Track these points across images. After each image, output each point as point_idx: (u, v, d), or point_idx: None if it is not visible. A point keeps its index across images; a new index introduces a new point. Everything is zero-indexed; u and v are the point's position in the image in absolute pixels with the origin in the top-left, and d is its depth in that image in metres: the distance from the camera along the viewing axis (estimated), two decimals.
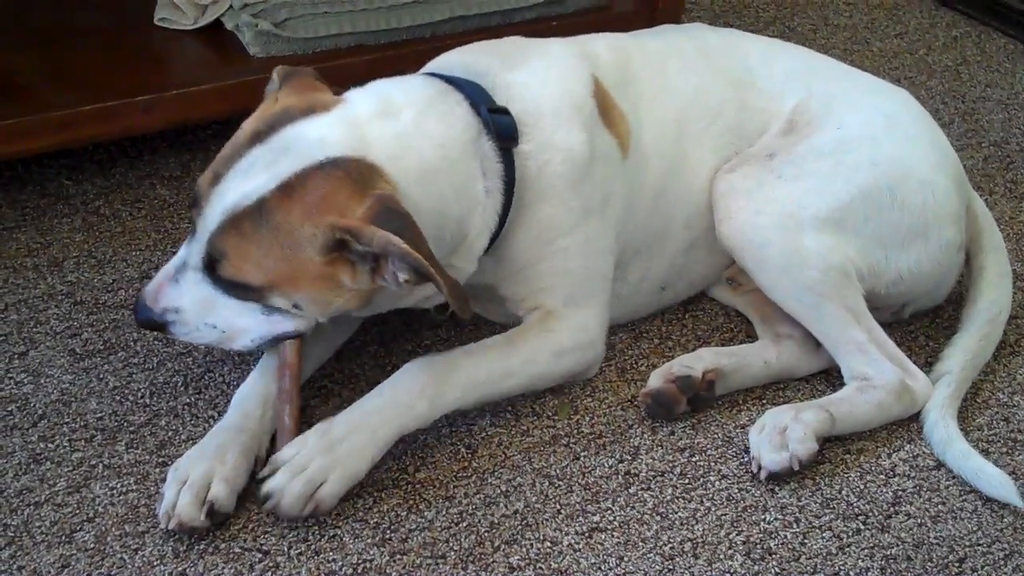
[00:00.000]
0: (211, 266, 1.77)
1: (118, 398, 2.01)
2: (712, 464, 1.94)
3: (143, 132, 2.54)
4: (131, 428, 1.96)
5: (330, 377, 2.06)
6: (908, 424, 2.02)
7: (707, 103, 2.18)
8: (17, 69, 2.50)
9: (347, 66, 2.59)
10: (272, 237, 1.72)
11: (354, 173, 1.73)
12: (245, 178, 1.74)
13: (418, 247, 1.69)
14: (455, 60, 2.05)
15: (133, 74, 2.49)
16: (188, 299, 1.82)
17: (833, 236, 2.02)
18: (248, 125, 1.82)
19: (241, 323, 1.83)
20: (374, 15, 2.62)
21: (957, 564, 1.80)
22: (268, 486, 1.76)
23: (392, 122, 1.82)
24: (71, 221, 2.42)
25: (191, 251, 1.80)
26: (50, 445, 1.92)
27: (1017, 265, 2.40)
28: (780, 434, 1.91)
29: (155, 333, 2.11)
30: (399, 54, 2.61)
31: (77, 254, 2.33)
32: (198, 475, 1.78)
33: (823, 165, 2.08)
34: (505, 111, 1.93)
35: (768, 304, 2.11)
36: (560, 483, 1.89)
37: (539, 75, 1.99)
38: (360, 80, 2.56)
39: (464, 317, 1.77)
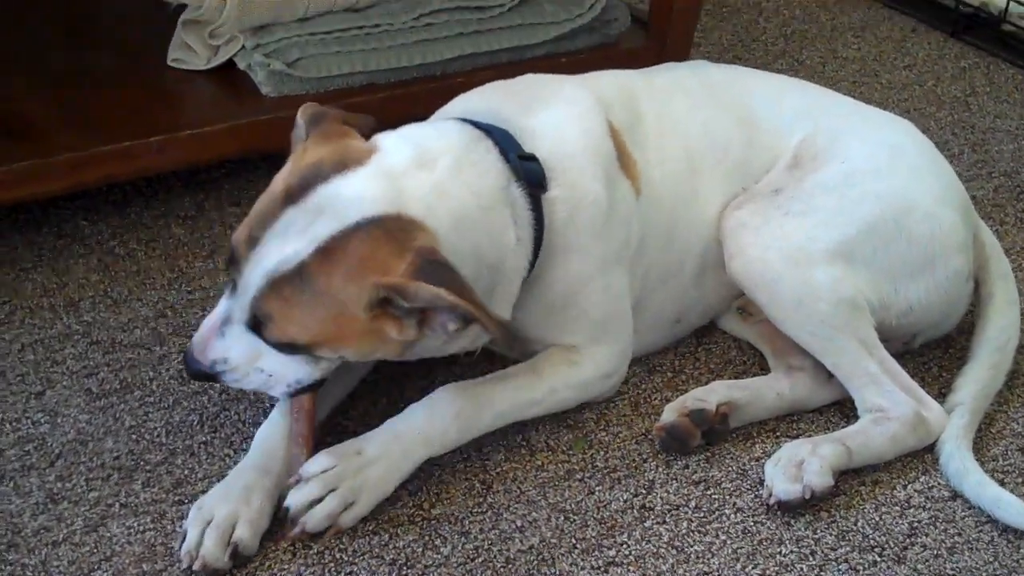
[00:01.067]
0: (256, 327, 1.77)
1: (135, 437, 2.02)
2: (727, 497, 1.94)
3: (157, 172, 2.55)
4: (147, 467, 1.96)
5: (344, 414, 2.06)
6: (922, 455, 2.02)
7: (714, 140, 2.19)
8: (31, 111, 2.51)
9: (359, 104, 2.60)
10: (316, 301, 1.72)
11: (393, 229, 1.73)
12: (283, 241, 1.73)
13: (463, 294, 1.69)
14: (475, 103, 2.05)
15: (147, 115, 2.51)
16: (235, 352, 1.81)
17: (843, 269, 2.03)
18: (280, 181, 1.80)
19: (287, 370, 1.82)
20: (385, 54, 2.64)
21: None
22: (295, 500, 1.79)
23: (428, 172, 1.81)
24: (87, 261, 2.44)
25: (234, 307, 1.79)
26: (67, 484, 1.93)
27: None
28: (796, 467, 1.92)
29: (170, 372, 2.13)
30: (409, 92, 2.63)
31: (93, 294, 2.34)
32: (223, 516, 1.79)
33: (829, 199, 2.09)
34: (533, 158, 1.93)
35: (779, 336, 2.12)
36: (575, 517, 1.90)
37: (558, 120, 2.00)
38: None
39: (511, 356, 1.79)
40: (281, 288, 1.72)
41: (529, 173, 1.91)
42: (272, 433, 1.92)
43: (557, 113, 2.01)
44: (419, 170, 1.80)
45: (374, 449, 1.84)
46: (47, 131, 2.45)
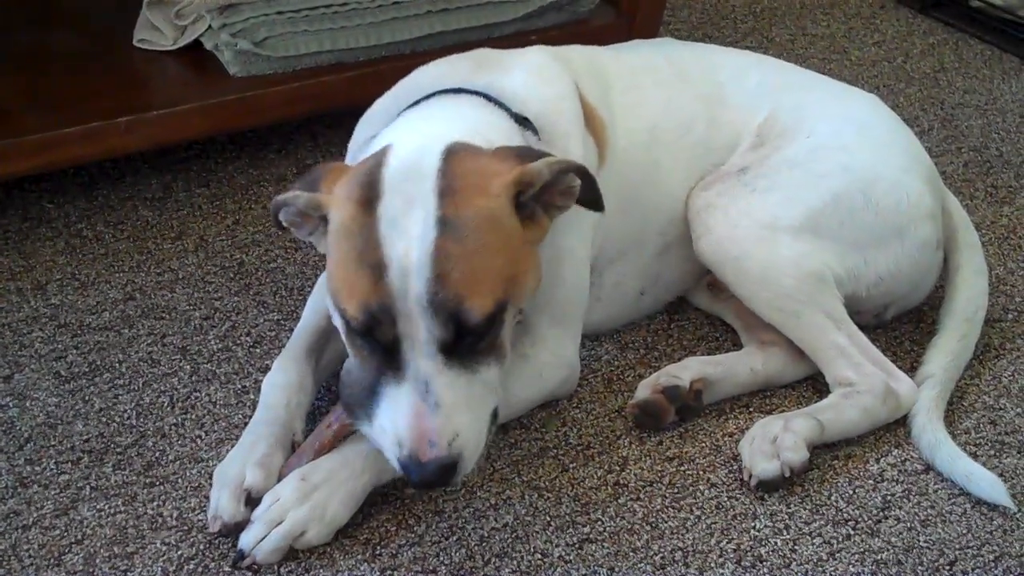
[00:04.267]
0: (455, 335, 1.60)
1: (104, 420, 2.00)
2: (701, 473, 1.94)
3: (124, 153, 2.53)
4: (118, 449, 1.95)
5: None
6: (895, 429, 2.03)
7: (678, 117, 2.19)
8: None
9: (327, 84, 2.60)
10: (478, 236, 1.61)
11: (472, 147, 1.70)
12: (403, 227, 1.61)
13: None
14: (443, 72, 2.01)
15: (114, 95, 2.49)
16: (459, 411, 1.62)
17: (809, 243, 2.03)
18: (345, 223, 1.65)
19: (490, 402, 1.69)
20: (353, 32, 2.62)
21: (948, 567, 1.80)
22: (241, 541, 1.75)
23: (455, 130, 1.76)
24: (54, 244, 2.42)
25: (415, 364, 1.61)
26: (36, 468, 1.91)
27: (999, 268, 2.41)
28: (771, 443, 1.92)
29: (139, 355, 2.11)
30: (378, 71, 2.61)
31: (60, 276, 2.33)
32: (233, 474, 1.79)
33: (795, 175, 2.09)
34: (528, 121, 1.91)
35: (751, 312, 2.11)
36: (549, 495, 1.89)
37: (531, 83, 1.98)
38: (341, 98, 2.59)
39: (600, 211, 1.78)
40: (447, 252, 1.59)
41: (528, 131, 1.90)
42: (273, 384, 1.91)
43: (528, 77, 1.99)
44: (448, 130, 1.76)
45: (319, 475, 1.78)
46: (13, 112, 2.43)
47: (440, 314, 1.58)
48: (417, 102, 1.91)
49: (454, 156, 1.67)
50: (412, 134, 1.76)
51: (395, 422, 1.61)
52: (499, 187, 1.65)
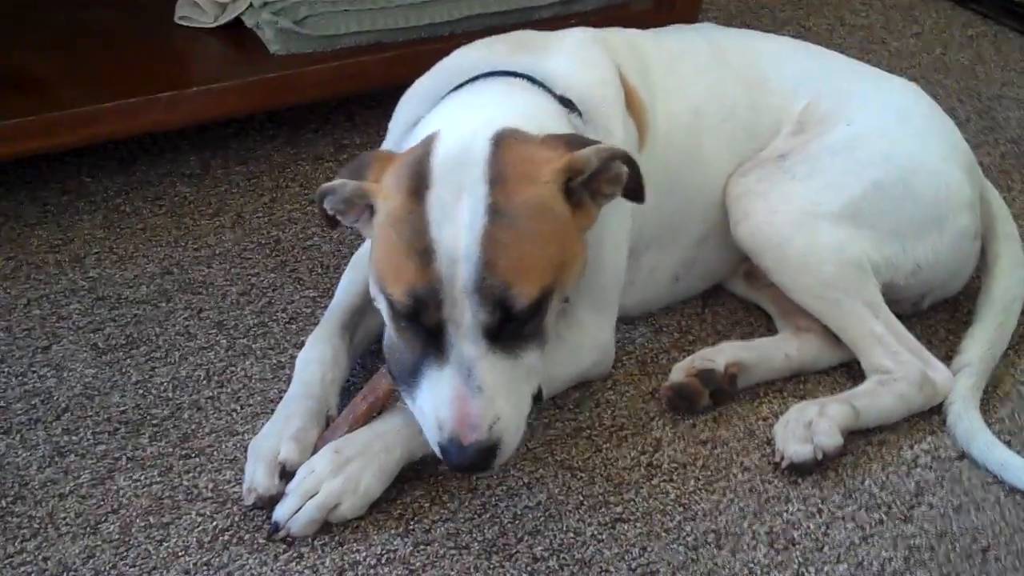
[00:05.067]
0: (501, 321, 1.61)
1: (141, 392, 2.02)
2: (734, 456, 1.94)
3: (165, 129, 2.55)
4: (154, 421, 1.96)
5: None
6: (929, 416, 2.02)
7: (720, 101, 2.18)
8: (39, 67, 2.51)
9: (366, 64, 2.60)
10: (528, 224, 1.62)
11: (521, 134, 1.70)
12: (454, 215, 1.62)
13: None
14: (482, 55, 2.01)
15: (155, 71, 2.50)
16: (500, 396, 1.62)
17: (848, 231, 2.03)
18: (394, 212, 1.66)
19: (531, 387, 1.70)
20: (393, 13, 2.63)
21: (980, 554, 1.79)
22: (276, 514, 1.76)
23: (504, 114, 1.76)
24: (92, 218, 2.43)
25: (459, 349, 1.62)
26: (74, 438, 1.93)
27: None
28: (806, 428, 1.92)
29: (176, 328, 2.13)
30: (417, 52, 2.61)
31: (98, 250, 2.34)
32: (268, 447, 1.80)
33: (835, 162, 2.09)
34: (571, 103, 1.91)
35: (787, 298, 2.11)
36: (582, 475, 1.90)
37: (572, 65, 1.97)
38: (379, 78, 2.60)
39: (641, 202, 1.78)
40: (497, 240, 1.60)
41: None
42: (307, 359, 1.93)
43: (570, 60, 1.98)
44: (496, 116, 1.75)
45: (352, 448, 1.79)
46: (55, 87, 2.45)
47: (487, 300, 1.60)
48: (461, 85, 1.91)
49: (503, 143, 1.67)
50: (460, 120, 1.76)
51: (436, 405, 1.62)
52: (549, 174, 1.66)
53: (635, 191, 1.76)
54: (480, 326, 1.61)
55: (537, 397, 1.72)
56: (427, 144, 1.70)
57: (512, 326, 1.63)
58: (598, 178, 1.71)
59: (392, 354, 1.73)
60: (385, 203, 1.68)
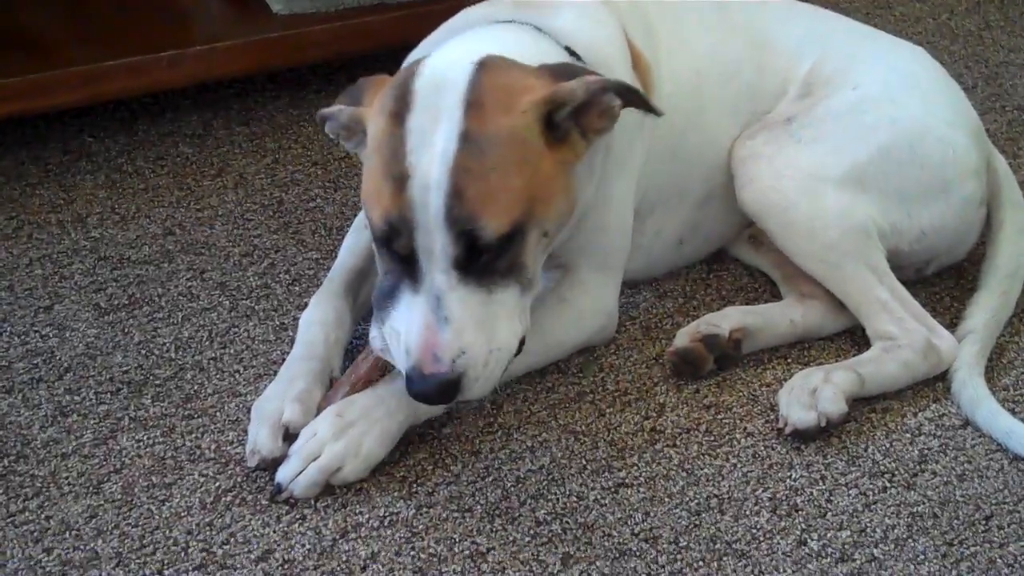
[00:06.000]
0: (469, 252, 1.60)
1: (143, 352, 2.01)
2: (738, 422, 1.94)
3: (167, 88, 2.54)
4: (157, 382, 1.96)
5: None
6: (933, 384, 2.02)
7: (724, 61, 2.17)
8: (42, 25, 2.51)
9: (370, 24, 2.60)
10: (497, 153, 1.60)
11: (505, 63, 1.68)
12: (430, 140, 1.60)
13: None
14: (488, 11, 1.98)
15: (157, 30, 2.50)
16: (468, 330, 1.61)
17: (854, 195, 2.02)
18: (377, 135, 1.66)
19: (508, 327, 1.67)
20: None
21: (983, 522, 1.79)
22: (278, 476, 1.76)
23: (502, 46, 1.74)
24: (94, 178, 2.43)
25: (431, 278, 1.61)
26: (76, 398, 1.92)
27: None
28: (810, 394, 1.91)
29: (178, 289, 2.12)
30: (421, 12, 2.60)
31: (100, 210, 2.33)
32: (271, 409, 1.79)
33: (841, 126, 2.08)
34: (577, 55, 1.88)
35: (791, 263, 2.10)
36: (585, 439, 1.89)
37: (578, 22, 1.94)
38: (383, 39, 2.58)
39: (659, 114, 1.75)
40: (466, 168, 1.58)
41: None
42: (310, 320, 1.92)
43: (577, 17, 1.95)
44: (493, 47, 1.73)
45: (355, 412, 1.79)
46: (58, 45, 2.45)
47: (454, 230, 1.59)
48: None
49: (486, 69, 1.65)
50: (450, 50, 1.75)
51: (407, 331, 1.62)
52: (527, 104, 1.63)
53: (647, 108, 1.73)
54: (449, 257, 1.60)
55: (521, 343, 1.71)
56: (413, 67, 1.69)
57: (484, 259, 1.62)
58: (587, 111, 1.68)
59: (378, 283, 1.73)
60: (372, 126, 1.68)
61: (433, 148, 1.60)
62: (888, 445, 1.91)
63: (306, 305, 1.96)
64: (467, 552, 1.70)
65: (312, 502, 1.75)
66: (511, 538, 1.72)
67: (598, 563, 1.69)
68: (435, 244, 1.60)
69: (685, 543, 1.73)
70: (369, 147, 1.69)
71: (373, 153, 1.67)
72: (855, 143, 2.04)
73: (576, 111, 1.67)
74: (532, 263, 1.70)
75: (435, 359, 1.60)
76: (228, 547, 1.69)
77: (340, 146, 1.83)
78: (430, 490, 1.79)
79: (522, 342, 1.72)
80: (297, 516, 1.73)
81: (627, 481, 1.82)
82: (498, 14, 1.94)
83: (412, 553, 1.69)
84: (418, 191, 1.59)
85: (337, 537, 1.71)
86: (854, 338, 2.10)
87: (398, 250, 1.63)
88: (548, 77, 1.67)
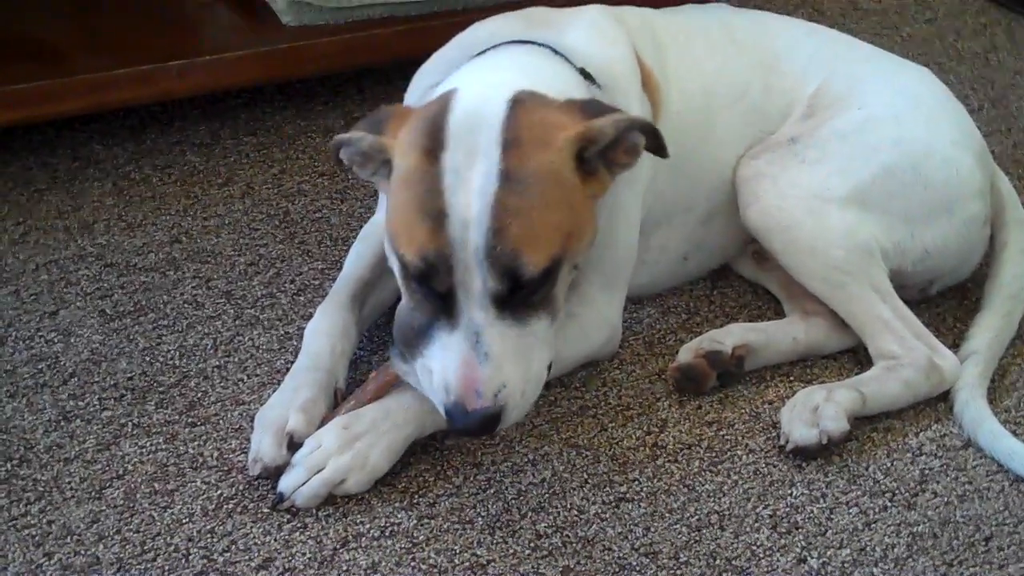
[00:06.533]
0: (510, 288, 1.61)
1: (148, 359, 2.02)
2: (739, 439, 1.94)
3: (176, 97, 2.55)
4: (160, 389, 1.96)
5: None
6: (935, 404, 2.02)
7: (733, 82, 2.18)
8: (52, 33, 2.52)
9: (378, 36, 2.60)
10: (537, 190, 1.62)
11: (538, 99, 1.69)
12: (467, 179, 1.61)
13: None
14: (499, 28, 1.99)
15: (167, 39, 2.51)
16: (507, 364, 1.63)
17: (858, 215, 2.03)
18: (409, 170, 1.66)
19: (540, 356, 1.69)
20: None
21: (983, 543, 1.79)
22: (281, 485, 1.76)
23: (525, 77, 1.75)
24: (101, 185, 2.43)
25: (469, 314, 1.62)
26: (80, 403, 1.93)
27: None
28: (812, 412, 1.91)
29: (184, 297, 2.13)
30: (429, 26, 2.61)
31: (107, 217, 2.34)
32: (275, 417, 1.80)
33: (846, 146, 2.08)
34: (590, 75, 1.90)
35: (795, 281, 2.11)
36: (587, 453, 1.90)
37: (590, 40, 1.96)
38: (391, 52, 2.59)
39: (665, 156, 1.77)
40: (506, 206, 1.60)
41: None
42: (315, 330, 1.92)
43: (588, 35, 1.97)
44: (515, 79, 1.74)
45: (361, 425, 1.79)
46: (67, 53, 2.46)
47: (496, 267, 1.60)
48: (482, 53, 1.90)
49: (520, 106, 1.67)
50: (479, 79, 1.76)
51: (444, 368, 1.62)
52: (563, 141, 1.65)
53: (658, 149, 1.76)
54: (489, 293, 1.61)
55: (548, 367, 1.72)
56: (444, 101, 1.69)
57: (522, 294, 1.63)
58: (615, 148, 1.71)
59: (401, 315, 1.73)
60: (402, 161, 1.68)
61: (471, 186, 1.61)
62: (889, 464, 1.91)
63: (311, 315, 1.97)
64: (467, 564, 1.70)
65: (313, 511, 1.75)
66: (511, 550, 1.73)
67: None
68: (475, 281, 1.61)
69: (685, 559, 1.73)
70: (397, 181, 1.69)
71: (403, 188, 1.67)
72: (859, 163, 2.05)
73: (603, 148, 1.69)
74: (561, 294, 1.72)
75: (477, 395, 1.61)
76: (229, 554, 1.70)
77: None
78: (431, 501, 1.79)
79: (550, 366, 1.73)
80: (298, 525, 1.74)
81: (628, 496, 1.83)
82: (511, 32, 1.95)
83: (412, 564, 1.70)
84: (457, 229, 1.60)
85: (338, 546, 1.71)
86: (857, 357, 2.11)
87: (436, 287, 1.63)
88: (578, 113, 1.69)
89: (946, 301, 2.25)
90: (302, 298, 2.17)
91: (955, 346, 2.08)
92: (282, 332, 2.08)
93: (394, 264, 1.72)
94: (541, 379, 1.71)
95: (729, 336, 2.05)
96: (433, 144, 1.64)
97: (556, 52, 1.88)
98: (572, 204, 1.67)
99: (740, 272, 2.30)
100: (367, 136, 1.73)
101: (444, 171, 1.62)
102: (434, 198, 1.62)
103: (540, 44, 1.89)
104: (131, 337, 2.06)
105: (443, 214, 1.60)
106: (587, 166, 1.69)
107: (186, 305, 2.14)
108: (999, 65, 3.17)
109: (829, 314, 2.09)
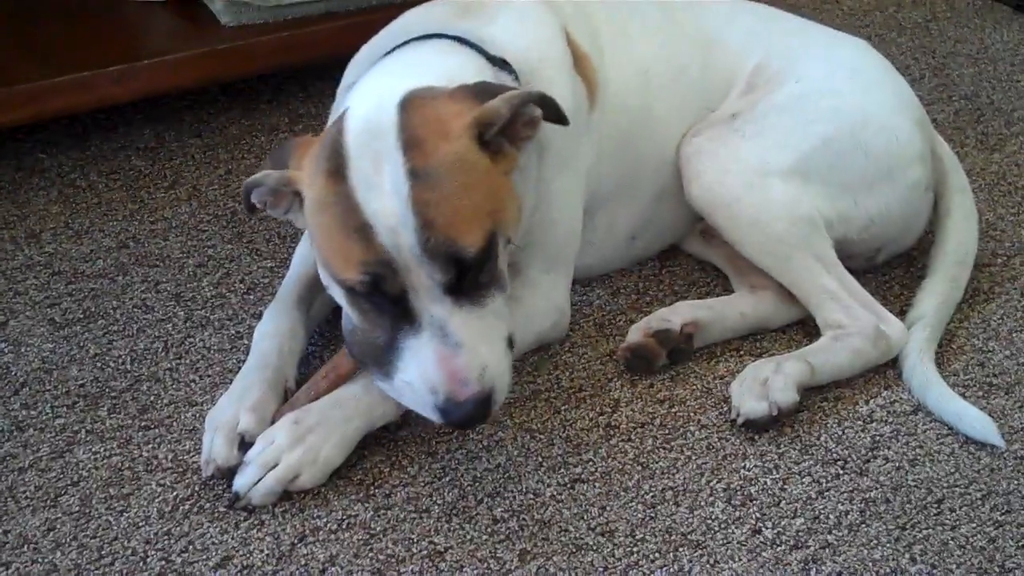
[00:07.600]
0: (457, 274, 1.62)
1: (99, 365, 2.02)
2: (692, 415, 1.96)
3: (116, 103, 2.54)
4: (113, 394, 1.96)
5: None
6: (884, 371, 2.04)
7: (671, 61, 2.19)
8: None
9: (317, 33, 2.61)
10: (448, 179, 1.62)
11: (428, 93, 1.70)
12: (378, 185, 1.62)
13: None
14: (423, 18, 2.00)
15: (105, 45, 2.50)
16: (481, 347, 1.64)
17: (799, 187, 2.04)
18: (320, 196, 1.66)
19: (504, 329, 1.72)
20: None
21: (935, 505, 1.81)
22: (236, 484, 1.76)
23: (418, 79, 1.75)
24: (47, 193, 2.43)
25: (427, 312, 1.63)
26: (32, 412, 1.92)
27: (989, 214, 2.42)
28: (761, 385, 1.93)
29: (133, 302, 2.13)
30: (368, 20, 2.59)
31: (54, 225, 2.34)
32: (226, 418, 1.80)
33: (784, 120, 2.10)
34: (504, 62, 1.91)
35: (741, 256, 2.12)
36: (541, 436, 1.91)
37: (514, 26, 1.97)
38: (331, 48, 2.59)
39: (565, 124, 1.78)
40: (425, 201, 1.60)
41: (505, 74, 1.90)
42: (264, 332, 1.93)
43: (513, 22, 1.98)
44: (405, 83, 1.74)
45: (312, 419, 1.79)
46: (4, 61, 2.44)
47: (437, 259, 1.60)
48: (394, 49, 1.91)
49: (411, 106, 1.68)
50: (368, 92, 1.75)
51: (424, 371, 1.63)
52: (460, 129, 1.66)
53: (557, 119, 1.76)
54: (440, 285, 1.62)
55: (510, 341, 1.73)
56: (339, 123, 1.70)
57: (470, 277, 1.64)
58: (513, 124, 1.72)
59: (355, 339, 1.73)
60: (310, 189, 1.69)
61: (384, 192, 1.61)
62: (840, 433, 1.93)
63: (261, 314, 1.97)
64: (425, 552, 1.71)
65: (270, 508, 1.76)
66: (468, 536, 1.73)
67: (555, 558, 1.70)
68: (421, 279, 1.62)
69: (641, 536, 1.74)
70: (311, 210, 1.69)
71: (320, 214, 1.67)
72: (798, 135, 2.07)
73: (502, 126, 1.70)
74: (504, 267, 1.73)
75: (464, 383, 1.62)
76: (187, 555, 1.70)
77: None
78: (387, 492, 1.80)
79: (512, 339, 1.74)
80: (255, 522, 1.74)
81: (583, 476, 1.84)
82: (432, 22, 1.96)
83: (370, 555, 1.70)
84: (387, 236, 1.60)
85: (295, 541, 1.72)
86: (806, 329, 2.12)
87: (387, 292, 1.63)
88: (470, 99, 1.69)
89: (892, 270, 2.27)
90: (252, 297, 2.17)
91: (904, 314, 2.10)
92: (233, 332, 2.08)
93: (336, 293, 1.72)
94: (510, 351, 1.72)
95: (677, 314, 2.06)
96: (336, 164, 1.65)
97: (468, 43, 1.89)
98: (487, 184, 1.68)
99: (688, 250, 2.32)
100: (272, 173, 1.73)
101: (355, 187, 1.63)
102: (354, 214, 1.62)
103: (451, 36, 1.90)
104: (82, 344, 2.06)
105: (367, 226, 1.61)
106: (491, 146, 1.70)
107: (136, 309, 2.13)
108: (939, 34, 3.19)
109: (776, 287, 2.11)
